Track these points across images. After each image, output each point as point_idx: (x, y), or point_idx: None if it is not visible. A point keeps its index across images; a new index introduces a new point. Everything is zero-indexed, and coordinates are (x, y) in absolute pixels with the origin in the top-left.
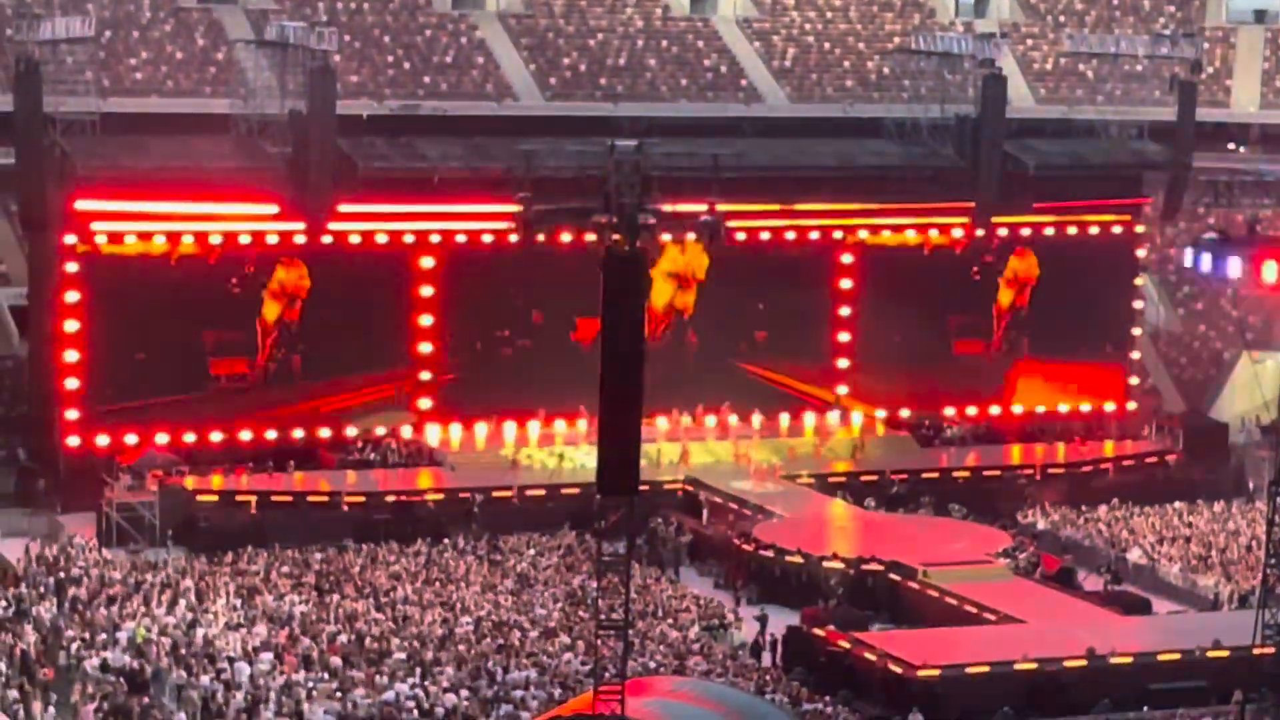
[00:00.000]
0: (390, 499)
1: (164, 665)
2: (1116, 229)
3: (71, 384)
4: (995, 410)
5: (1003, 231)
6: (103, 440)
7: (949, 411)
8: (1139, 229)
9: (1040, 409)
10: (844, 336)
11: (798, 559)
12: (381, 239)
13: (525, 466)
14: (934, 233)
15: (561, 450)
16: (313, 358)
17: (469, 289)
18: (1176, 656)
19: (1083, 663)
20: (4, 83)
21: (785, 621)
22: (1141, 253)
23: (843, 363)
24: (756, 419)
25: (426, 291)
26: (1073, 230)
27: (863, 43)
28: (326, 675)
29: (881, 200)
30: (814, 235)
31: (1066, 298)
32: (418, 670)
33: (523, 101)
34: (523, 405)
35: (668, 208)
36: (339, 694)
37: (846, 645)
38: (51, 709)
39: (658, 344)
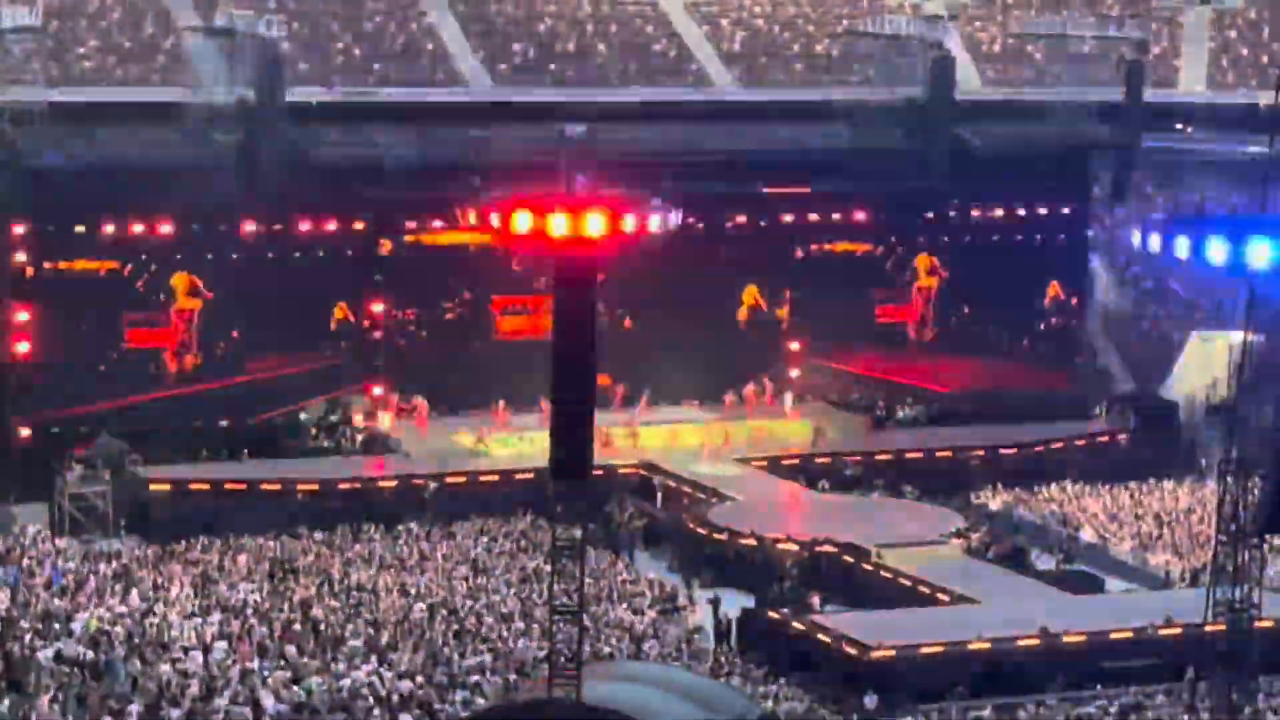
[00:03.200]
0: (344, 486)
1: (118, 655)
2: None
3: (21, 374)
4: (946, 392)
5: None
6: (54, 430)
7: None
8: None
9: (992, 389)
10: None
11: (751, 542)
12: (331, 226)
13: (482, 453)
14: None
15: (519, 435)
16: (265, 347)
17: (423, 275)
18: (1129, 635)
19: (1036, 642)
20: None
21: (739, 604)
22: (1090, 233)
23: (794, 345)
24: (710, 403)
25: (378, 278)
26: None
27: (811, 26)
28: (282, 663)
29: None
30: (761, 219)
31: (1015, 280)
32: (373, 657)
33: (472, 88)
34: (479, 391)
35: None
36: (294, 682)
37: (801, 627)
38: (6, 700)
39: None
